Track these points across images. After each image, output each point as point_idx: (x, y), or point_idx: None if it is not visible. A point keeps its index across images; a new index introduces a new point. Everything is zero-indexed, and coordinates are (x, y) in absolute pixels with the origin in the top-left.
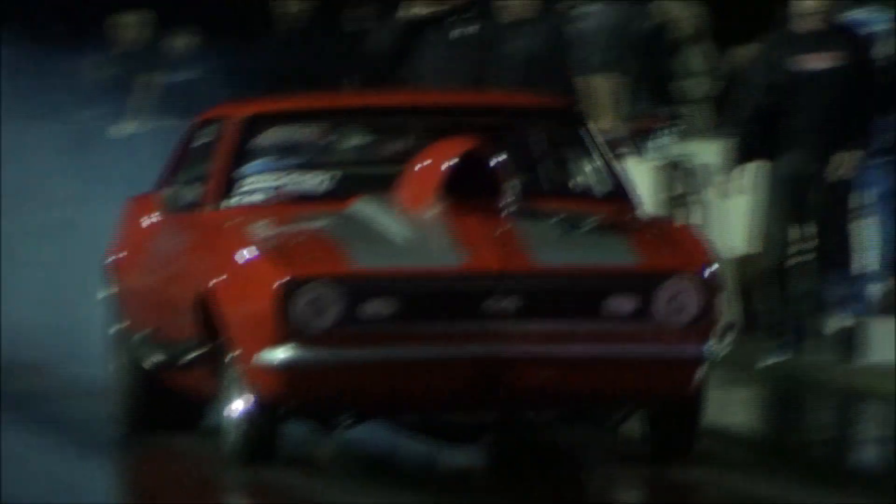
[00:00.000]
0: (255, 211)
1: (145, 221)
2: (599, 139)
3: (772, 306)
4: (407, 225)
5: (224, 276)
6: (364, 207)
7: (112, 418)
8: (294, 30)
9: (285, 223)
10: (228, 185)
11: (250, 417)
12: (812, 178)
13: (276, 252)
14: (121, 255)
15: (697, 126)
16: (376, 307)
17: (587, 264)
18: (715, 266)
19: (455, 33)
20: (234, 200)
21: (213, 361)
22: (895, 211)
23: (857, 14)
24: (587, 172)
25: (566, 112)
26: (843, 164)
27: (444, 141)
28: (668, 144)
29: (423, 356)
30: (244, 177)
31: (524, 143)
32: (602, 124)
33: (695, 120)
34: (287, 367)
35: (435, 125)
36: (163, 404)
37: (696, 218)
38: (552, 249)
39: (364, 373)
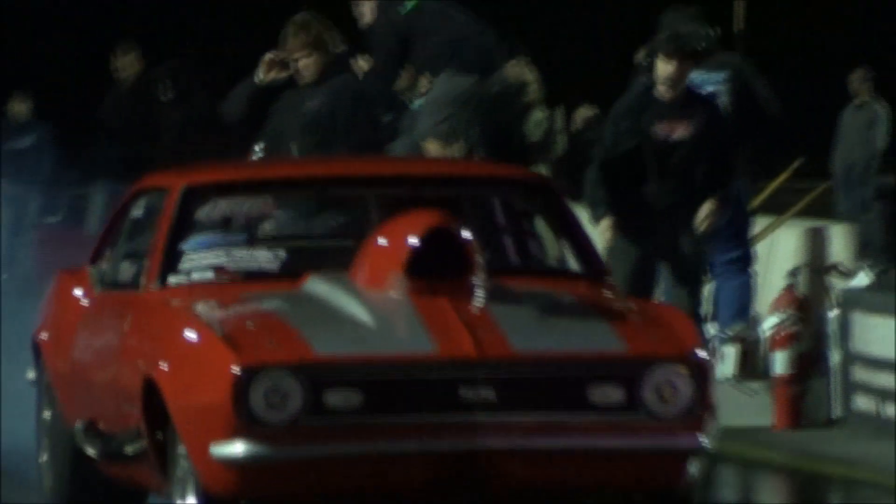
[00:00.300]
0: (199, 290)
1: (78, 298)
2: (572, 212)
3: None
4: (370, 306)
5: (172, 363)
6: (318, 286)
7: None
8: (126, 93)
9: (234, 303)
10: (170, 262)
11: None
12: (665, 243)
13: (230, 337)
14: (51, 335)
15: None
16: (341, 397)
17: (569, 351)
18: (705, 351)
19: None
20: (176, 279)
21: (160, 452)
22: (734, 276)
23: (692, 76)
24: (558, 247)
25: (536, 184)
26: (710, 213)
27: (408, 215)
28: None
29: (393, 450)
30: (186, 253)
31: (491, 216)
32: None
33: None
34: (244, 463)
35: (392, 196)
36: (100, 495)
37: None
38: (531, 334)
39: (329, 469)
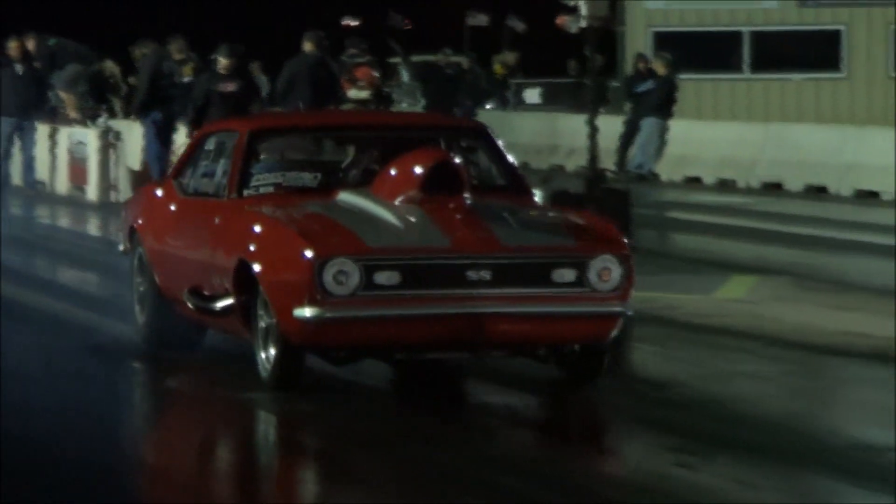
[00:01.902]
0: (266, 199)
1: (164, 200)
2: (502, 148)
3: None
4: (396, 213)
5: (262, 250)
6: (351, 199)
7: (140, 341)
8: None
9: (296, 208)
10: (243, 180)
11: (283, 356)
12: None
13: (307, 234)
14: (145, 224)
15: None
16: (385, 277)
17: (540, 245)
18: (629, 245)
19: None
20: (248, 191)
21: (244, 310)
22: None
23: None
24: (495, 172)
25: (476, 129)
26: None
27: (418, 150)
28: (105, 122)
29: (421, 314)
30: (254, 174)
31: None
32: (70, 114)
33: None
34: (318, 322)
35: (381, 138)
36: (171, 332)
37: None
38: (513, 234)
39: (377, 326)
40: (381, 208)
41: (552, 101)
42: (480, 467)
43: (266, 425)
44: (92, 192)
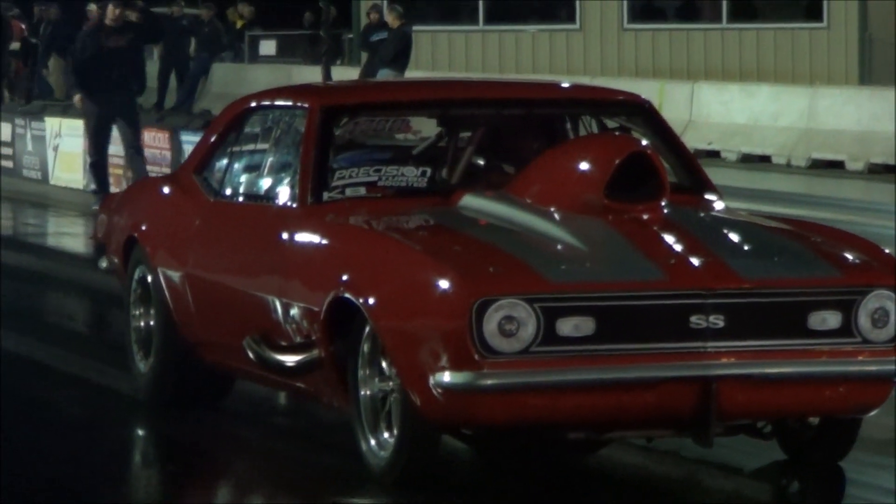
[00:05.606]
0: (358, 205)
1: (182, 204)
2: (672, 129)
3: None
4: (574, 230)
5: (377, 284)
6: (490, 206)
7: (145, 397)
8: None
9: (408, 220)
10: (322, 179)
11: (411, 441)
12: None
13: (452, 260)
14: (149, 233)
15: None
16: (573, 326)
17: (793, 278)
18: None
19: None
20: (331, 193)
21: (335, 366)
22: None
23: None
24: (672, 165)
25: (636, 105)
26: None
27: (596, 138)
28: None
29: (626, 378)
30: (336, 169)
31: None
32: None
33: None
34: (472, 392)
35: (508, 117)
36: (196, 385)
37: None
38: (752, 263)
39: (560, 396)
40: (545, 222)
41: (287, 52)
42: None
43: None
44: None
